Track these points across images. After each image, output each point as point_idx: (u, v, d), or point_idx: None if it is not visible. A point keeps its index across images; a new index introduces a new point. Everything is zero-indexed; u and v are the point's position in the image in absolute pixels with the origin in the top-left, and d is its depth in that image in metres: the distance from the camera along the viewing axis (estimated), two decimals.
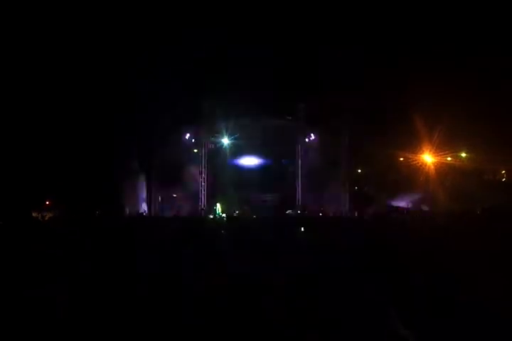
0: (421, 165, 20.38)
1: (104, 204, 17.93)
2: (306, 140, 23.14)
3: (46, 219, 16.23)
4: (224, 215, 21.33)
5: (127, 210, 19.19)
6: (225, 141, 23.22)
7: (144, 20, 14.30)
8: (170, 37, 15.22)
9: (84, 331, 3.12)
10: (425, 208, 19.09)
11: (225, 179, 23.75)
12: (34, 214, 16.90)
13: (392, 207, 20.30)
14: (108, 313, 3.29)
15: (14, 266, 3.91)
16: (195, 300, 3.47)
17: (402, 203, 20.09)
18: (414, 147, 20.14)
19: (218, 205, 23.08)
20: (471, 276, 4.03)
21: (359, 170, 23.48)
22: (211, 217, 20.39)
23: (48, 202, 21.12)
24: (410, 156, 20.51)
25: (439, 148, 19.54)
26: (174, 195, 22.72)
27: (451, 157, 20.34)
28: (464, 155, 20.87)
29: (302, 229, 9.01)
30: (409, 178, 20.64)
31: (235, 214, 21.49)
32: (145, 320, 3.33)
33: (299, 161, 23.36)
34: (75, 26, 14.07)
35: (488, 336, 3.37)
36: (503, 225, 7.15)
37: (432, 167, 20.22)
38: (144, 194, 21.13)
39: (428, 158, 20.30)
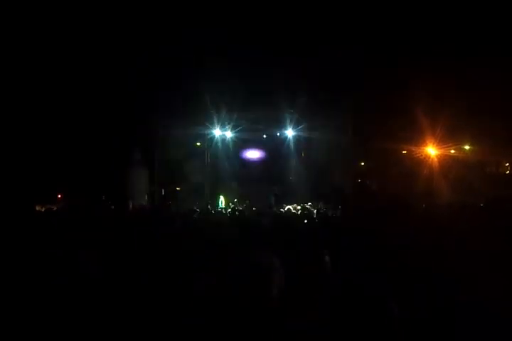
0: (424, 158, 20.32)
1: (107, 198, 18.00)
2: (308, 133, 23.06)
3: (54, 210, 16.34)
4: (228, 208, 21.33)
5: (131, 204, 19.23)
6: (228, 134, 23.19)
7: (142, 18, 14.24)
8: (170, 31, 15.17)
9: (82, 331, 3.14)
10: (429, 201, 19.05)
11: (228, 172, 23.79)
12: (39, 208, 17.01)
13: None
14: (105, 314, 3.30)
15: (11, 266, 3.93)
16: (195, 300, 3.47)
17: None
18: (418, 140, 20.05)
19: (222, 198, 23.11)
20: (472, 275, 4.02)
21: (362, 164, 23.46)
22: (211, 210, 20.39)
23: (59, 196, 21.30)
24: (413, 149, 20.45)
25: (443, 140, 19.45)
26: (177, 189, 22.80)
27: (454, 149, 20.26)
28: (467, 147, 20.79)
29: None
30: (413, 171, 20.62)
31: (238, 208, 21.50)
32: (144, 321, 3.34)
33: (302, 154, 23.35)
34: (71, 25, 14.04)
35: (488, 336, 3.37)
36: (506, 220, 7.11)
37: (436, 159, 20.15)
38: (146, 188, 21.20)
39: (431, 151, 20.23)
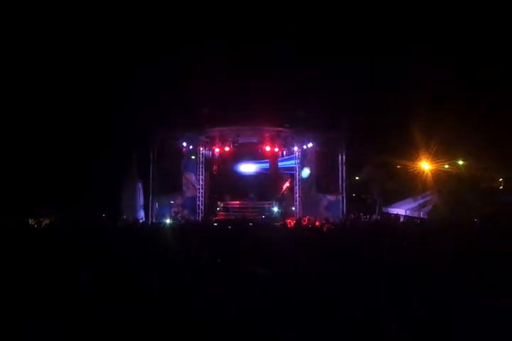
0: (418, 173, 20.39)
1: (102, 211, 17.86)
2: (304, 147, 23.12)
3: (42, 225, 16.14)
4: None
5: (124, 217, 19.10)
6: (224, 147, 23.19)
7: (145, 25, 14.38)
8: (168, 45, 15.31)
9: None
10: (423, 216, 19.08)
11: (223, 186, 23.74)
12: (31, 221, 16.82)
13: (390, 214, 20.36)
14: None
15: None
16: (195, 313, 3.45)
17: (400, 211, 20.09)
18: (412, 155, 20.18)
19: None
20: (470, 281, 4.03)
21: (356, 178, 23.51)
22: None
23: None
24: (408, 164, 20.55)
25: (437, 155, 19.56)
26: (172, 202, 22.68)
27: (448, 164, 20.36)
28: (461, 162, 20.90)
29: None
30: (407, 186, 20.68)
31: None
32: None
33: (297, 168, 23.36)
34: (74, 27, 14.11)
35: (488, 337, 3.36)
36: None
37: (430, 174, 20.23)
38: (141, 201, 21.06)
39: (425, 166, 20.32)
